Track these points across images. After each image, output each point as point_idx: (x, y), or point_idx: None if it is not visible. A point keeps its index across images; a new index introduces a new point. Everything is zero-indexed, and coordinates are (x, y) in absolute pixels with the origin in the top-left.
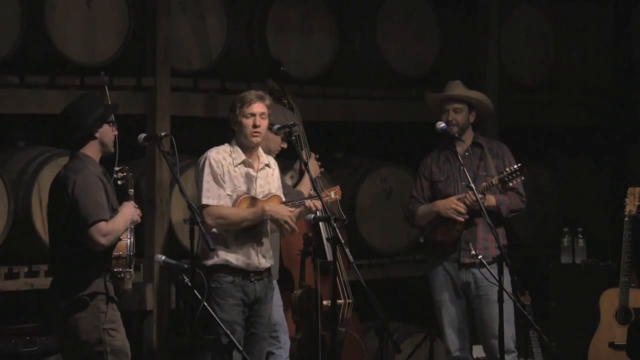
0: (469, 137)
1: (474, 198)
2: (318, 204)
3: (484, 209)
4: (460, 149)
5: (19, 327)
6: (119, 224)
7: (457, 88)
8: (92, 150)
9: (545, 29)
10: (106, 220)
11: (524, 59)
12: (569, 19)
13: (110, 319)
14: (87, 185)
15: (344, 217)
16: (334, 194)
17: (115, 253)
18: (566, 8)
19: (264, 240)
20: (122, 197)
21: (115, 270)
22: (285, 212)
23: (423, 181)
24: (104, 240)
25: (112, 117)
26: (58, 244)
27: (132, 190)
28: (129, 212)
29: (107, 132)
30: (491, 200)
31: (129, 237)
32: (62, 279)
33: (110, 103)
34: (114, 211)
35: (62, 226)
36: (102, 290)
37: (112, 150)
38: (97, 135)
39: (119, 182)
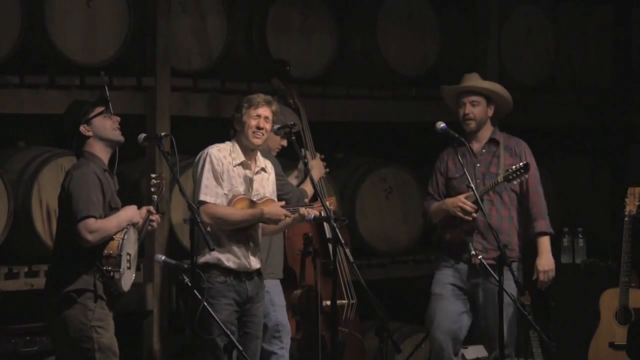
0: (487, 132)
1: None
2: (312, 212)
3: (483, 209)
4: (476, 145)
5: (19, 327)
6: (111, 223)
7: (474, 80)
8: (95, 148)
9: (545, 29)
10: (95, 218)
11: (524, 59)
12: (569, 19)
13: (98, 316)
14: (83, 181)
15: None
16: (328, 204)
17: (105, 252)
18: (566, 8)
19: (255, 241)
20: (148, 202)
21: (104, 268)
22: (281, 212)
23: (439, 177)
24: (90, 237)
25: (101, 109)
26: (55, 239)
27: (155, 197)
28: (128, 214)
29: (101, 125)
30: (544, 244)
31: (122, 237)
32: (54, 273)
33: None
34: (112, 210)
35: (58, 220)
36: (90, 288)
37: (120, 138)
38: (89, 133)
39: (152, 189)
